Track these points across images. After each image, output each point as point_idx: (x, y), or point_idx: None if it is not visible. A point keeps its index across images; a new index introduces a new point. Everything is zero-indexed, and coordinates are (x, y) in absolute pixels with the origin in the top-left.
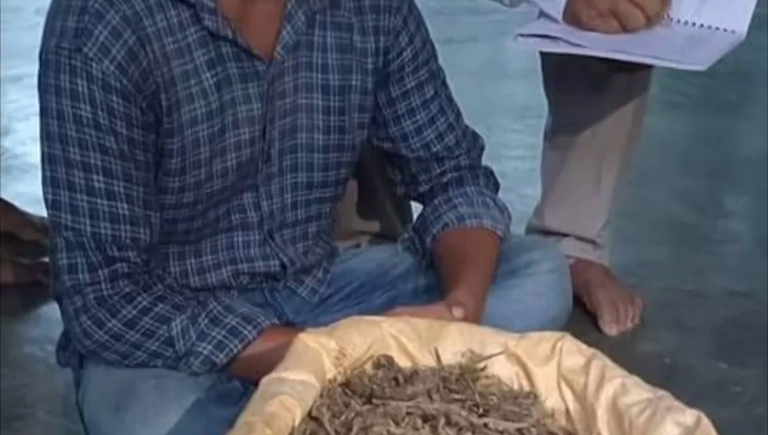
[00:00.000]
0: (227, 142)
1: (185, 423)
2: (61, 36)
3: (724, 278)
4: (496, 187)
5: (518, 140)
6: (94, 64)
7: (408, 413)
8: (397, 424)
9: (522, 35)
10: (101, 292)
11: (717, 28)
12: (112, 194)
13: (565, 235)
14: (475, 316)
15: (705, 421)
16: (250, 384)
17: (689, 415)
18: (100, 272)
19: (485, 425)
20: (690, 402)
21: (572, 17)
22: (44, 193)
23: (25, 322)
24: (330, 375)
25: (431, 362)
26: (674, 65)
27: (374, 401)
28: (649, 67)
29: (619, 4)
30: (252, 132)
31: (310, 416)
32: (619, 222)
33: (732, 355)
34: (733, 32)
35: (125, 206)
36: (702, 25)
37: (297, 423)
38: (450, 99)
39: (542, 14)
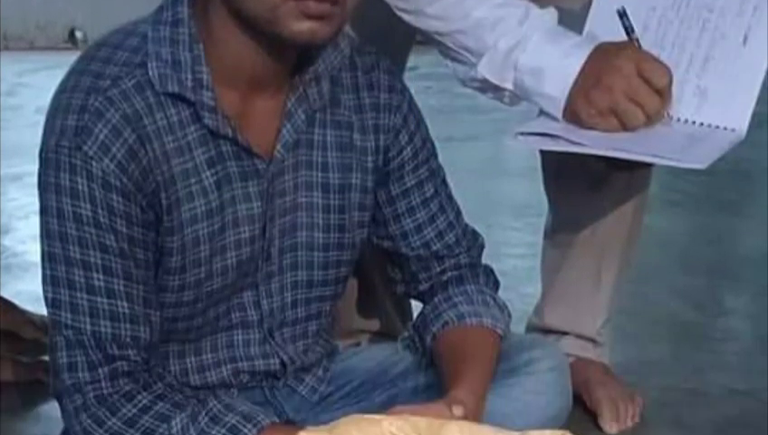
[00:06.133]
0: (227, 241)
1: None
2: (61, 135)
3: (724, 376)
4: (496, 285)
5: (518, 238)
6: (94, 163)
7: None
8: None
9: (522, 134)
10: (101, 390)
11: (717, 126)
12: (112, 292)
13: (565, 333)
14: (475, 415)
15: None
16: None
17: None
18: (100, 370)
19: None
20: None
21: (572, 116)
22: (44, 291)
23: (25, 420)
24: None
25: None
26: (674, 163)
27: None
28: (649, 165)
29: (620, 103)
30: (252, 231)
31: None
32: (619, 320)
33: None
34: (733, 130)
35: (125, 304)
36: (702, 124)
37: None
38: (450, 197)
39: (543, 113)
